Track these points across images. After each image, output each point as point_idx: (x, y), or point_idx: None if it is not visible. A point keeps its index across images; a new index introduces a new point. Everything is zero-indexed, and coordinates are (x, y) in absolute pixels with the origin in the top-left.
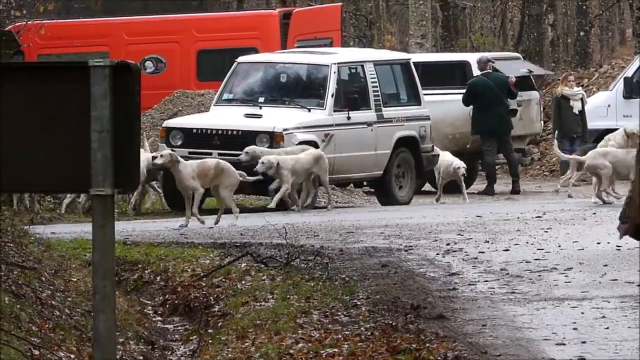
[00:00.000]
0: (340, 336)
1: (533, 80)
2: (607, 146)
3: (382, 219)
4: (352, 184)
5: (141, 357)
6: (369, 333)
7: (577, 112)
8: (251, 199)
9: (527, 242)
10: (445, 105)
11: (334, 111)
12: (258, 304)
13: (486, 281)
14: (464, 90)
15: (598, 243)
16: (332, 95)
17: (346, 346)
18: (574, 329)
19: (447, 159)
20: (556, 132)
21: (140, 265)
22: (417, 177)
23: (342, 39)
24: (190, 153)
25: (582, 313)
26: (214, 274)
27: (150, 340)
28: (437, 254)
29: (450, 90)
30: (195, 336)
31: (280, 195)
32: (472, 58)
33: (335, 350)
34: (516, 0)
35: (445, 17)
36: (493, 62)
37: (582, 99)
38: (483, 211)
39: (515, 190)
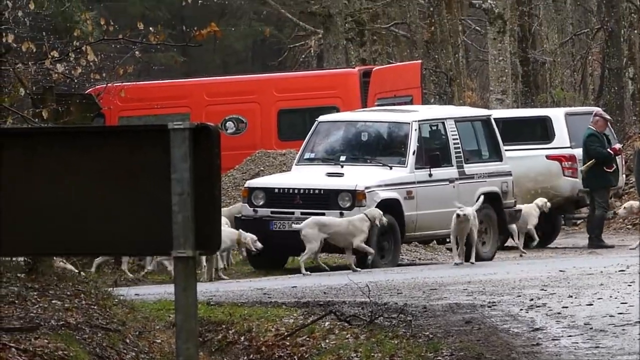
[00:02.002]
0: None
1: (614, 133)
2: None
3: (466, 275)
4: (435, 241)
5: None
6: None
7: None
8: (334, 257)
9: (611, 296)
10: (527, 161)
11: (416, 168)
12: None
13: (570, 336)
14: (546, 145)
15: None
16: (413, 153)
17: None
18: None
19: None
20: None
21: (224, 326)
22: (500, 233)
23: (423, 96)
24: (272, 213)
25: None
26: (297, 333)
27: None
28: (521, 309)
29: (532, 145)
30: None
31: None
32: (552, 113)
33: None
34: (596, 55)
35: (525, 72)
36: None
37: None
38: (566, 266)
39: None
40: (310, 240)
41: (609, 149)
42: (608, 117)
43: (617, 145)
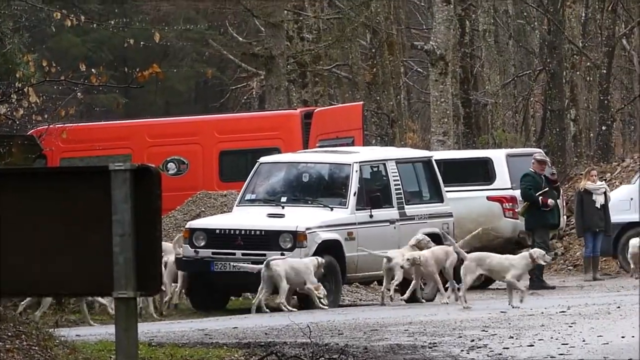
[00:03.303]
0: None
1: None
2: None
3: (407, 316)
4: (376, 282)
5: None
6: None
7: (599, 207)
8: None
9: (552, 337)
10: (468, 202)
11: (357, 209)
12: None
13: None
14: (487, 186)
15: (623, 337)
16: (354, 194)
17: None
18: None
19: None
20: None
21: None
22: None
23: (364, 138)
24: (213, 254)
25: None
26: None
27: None
28: (462, 350)
29: (473, 186)
30: None
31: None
32: (493, 154)
33: None
34: (538, 96)
35: (467, 113)
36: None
37: (605, 193)
38: (507, 307)
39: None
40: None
41: (540, 198)
42: (543, 158)
43: (550, 201)
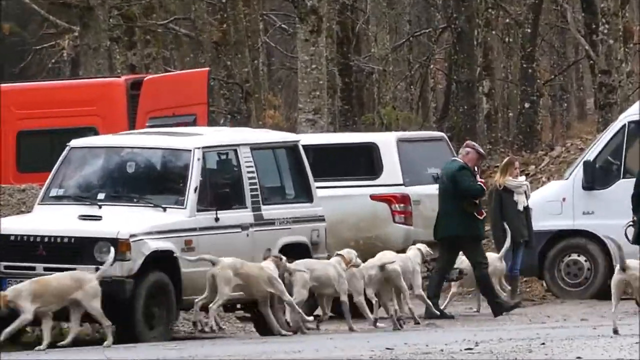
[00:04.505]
0: None
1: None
2: None
3: (262, 352)
4: (221, 308)
5: None
6: None
7: (522, 209)
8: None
9: None
10: (346, 202)
11: (198, 211)
12: None
13: None
14: (371, 182)
15: None
16: (195, 190)
17: None
18: None
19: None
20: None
21: None
22: (310, 297)
23: (210, 115)
24: (7, 268)
25: None
26: None
27: None
28: None
29: (352, 181)
30: None
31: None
32: (380, 139)
33: None
34: (440, 63)
35: (346, 85)
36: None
37: (525, 192)
38: (396, 342)
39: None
40: None
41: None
42: (483, 152)
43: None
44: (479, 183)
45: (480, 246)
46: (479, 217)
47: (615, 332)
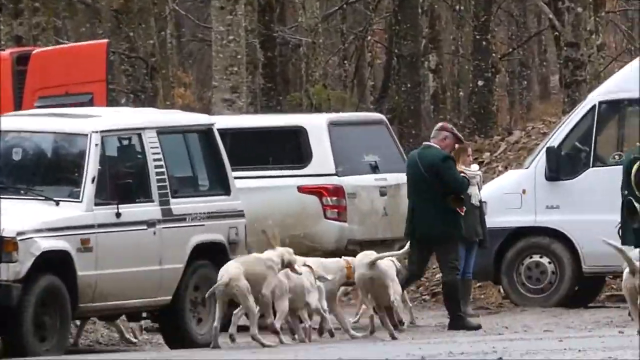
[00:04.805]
0: None
1: (404, 156)
2: None
3: None
4: (124, 316)
5: None
6: None
7: (475, 203)
8: None
9: None
10: (269, 195)
11: (96, 205)
12: None
13: None
14: (299, 171)
15: None
16: (92, 181)
17: None
18: None
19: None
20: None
21: None
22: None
23: (109, 95)
24: None
25: None
26: None
27: None
28: None
29: (277, 171)
30: None
31: None
32: (309, 122)
33: None
34: (380, 35)
35: (268, 60)
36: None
37: (477, 184)
38: (331, 355)
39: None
40: None
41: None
42: (461, 136)
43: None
44: (462, 175)
45: (457, 248)
46: (461, 213)
47: None
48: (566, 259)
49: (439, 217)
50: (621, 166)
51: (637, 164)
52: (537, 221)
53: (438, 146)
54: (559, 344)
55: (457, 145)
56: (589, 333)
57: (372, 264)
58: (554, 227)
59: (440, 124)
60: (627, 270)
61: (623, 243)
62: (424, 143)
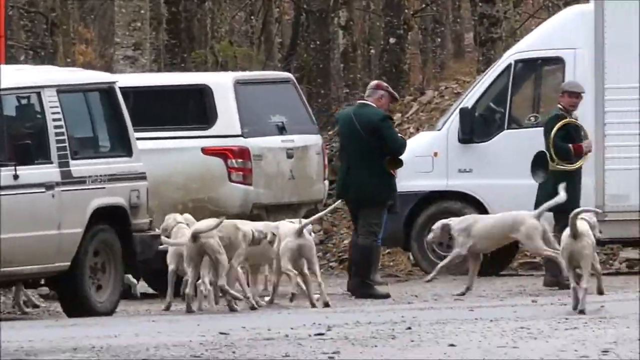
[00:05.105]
0: None
1: (313, 117)
2: None
3: (69, 338)
4: (21, 283)
5: None
6: None
7: None
8: None
9: None
10: (172, 157)
11: None
12: None
13: None
14: (203, 132)
15: None
16: None
17: None
18: None
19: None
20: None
21: None
22: (127, 272)
23: (8, 51)
24: None
25: None
26: None
27: None
28: None
29: (180, 131)
30: None
31: None
32: (214, 80)
33: None
34: None
35: (172, 15)
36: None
37: None
38: (232, 325)
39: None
40: None
41: (388, 159)
42: (396, 94)
43: None
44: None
45: (383, 213)
46: (394, 175)
47: (582, 312)
48: None
49: (373, 179)
50: (537, 128)
51: (560, 123)
52: (449, 185)
53: (374, 105)
54: (470, 313)
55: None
56: (501, 302)
57: (300, 232)
58: (467, 192)
59: (374, 82)
60: (567, 233)
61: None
62: (359, 101)
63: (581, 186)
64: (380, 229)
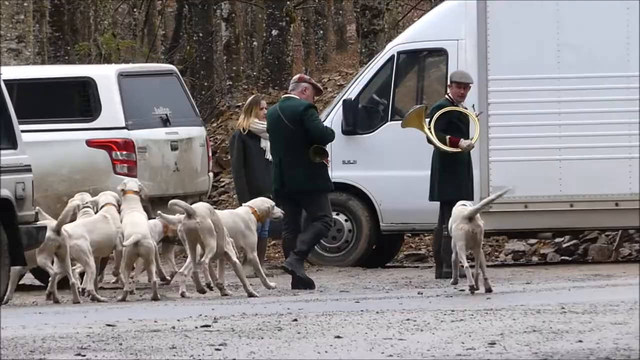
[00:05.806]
0: None
1: (196, 109)
2: None
3: None
4: None
5: None
6: None
7: (270, 158)
8: None
9: None
10: (57, 149)
11: None
12: None
13: None
14: (87, 124)
15: None
16: None
17: None
18: None
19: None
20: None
21: None
22: (14, 264)
23: None
24: None
25: None
26: None
27: None
28: None
29: (64, 124)
30: None
31: None
32: (98, 73)
33: None
34: None
35: (55, 7)
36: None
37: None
38: (118, 317)
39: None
40: None
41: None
42: (320, 86)
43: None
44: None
45: (327, 199)
46: (326, 164)
47: (472, 288)
48: (363, 217)
49: (307, 172)
50: None
51: (441, 111)
52: (334, 177)
53: (298, 97)
54: (356, 305)
55: (251, 98)
56: (387, 294)
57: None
58: (351, 183)
59: (297, 76)
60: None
61: (436, 198)
62: (284, 95)
63: (473, 176)
64: (329, 217)
